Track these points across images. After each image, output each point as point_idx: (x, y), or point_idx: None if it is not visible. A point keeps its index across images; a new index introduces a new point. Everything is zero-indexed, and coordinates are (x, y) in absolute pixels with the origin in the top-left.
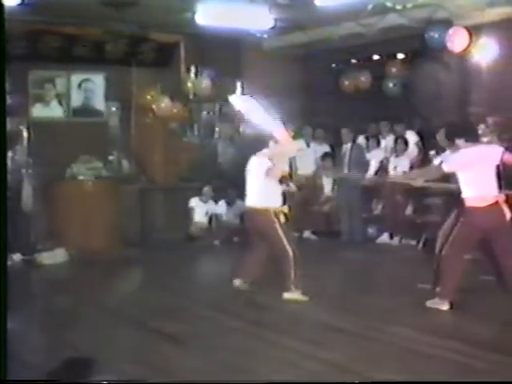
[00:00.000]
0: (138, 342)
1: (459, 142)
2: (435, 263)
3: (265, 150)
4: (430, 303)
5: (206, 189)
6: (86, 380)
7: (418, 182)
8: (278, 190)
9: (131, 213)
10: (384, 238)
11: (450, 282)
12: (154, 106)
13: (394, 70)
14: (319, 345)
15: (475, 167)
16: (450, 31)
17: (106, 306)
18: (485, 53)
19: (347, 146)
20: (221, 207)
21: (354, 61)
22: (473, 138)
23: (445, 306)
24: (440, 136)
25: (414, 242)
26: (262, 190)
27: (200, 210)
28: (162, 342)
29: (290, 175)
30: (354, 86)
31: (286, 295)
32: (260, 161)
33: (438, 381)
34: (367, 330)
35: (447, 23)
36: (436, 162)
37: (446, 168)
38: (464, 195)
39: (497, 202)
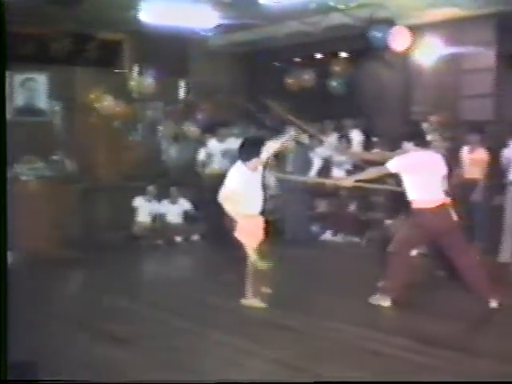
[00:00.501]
0: (83, 344)
1: (408, 145)
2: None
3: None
4: (372, 300)
5: (151, 188)
6: (86, 380)
7: (347, 183)
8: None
9: (74, 213)
10: (328, 235)
11: (394, 279)
12: (97, 105)
13: (337, 68)
14: (265, 343)
15: (422, 171)
16: (392, 31)
17: (49, 308)
18: (427, 52)
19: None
20: (164, 206)
21: (297, 59)
22: (422, 142)
23: (386, 303)
24: None
25: (357, 239)
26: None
27: (144, 209)
28: (108, 344)
29: None
30: (298, 84)
31: (244, 301)
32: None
33: (432, 381)
34: (312, 327)
35: (389, 23)
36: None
37: (390, 168)
38: (410, 197)
39: (443, 204)
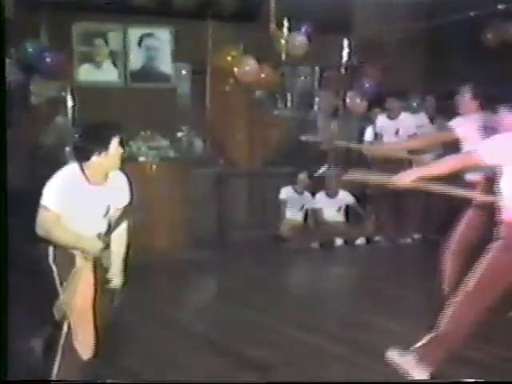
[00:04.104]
0: (217, 368)
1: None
2: None
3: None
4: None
5: (302, 176)
6: (88, 380)
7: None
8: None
9: (205, 204)
10: None
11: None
12: (235, 70)
13: None
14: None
15: None
16: None
17: (171, 322)
18: None
19: None
20: (320, 200)
21: (500, 6)
22: None
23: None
24: None
25: None
26: None
27: (293, 203)
28: (246, 370)
29: None
30: (501, 39)
31: None
32: None
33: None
34: None
35: None
36: None
37: (484, 156)
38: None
39: None
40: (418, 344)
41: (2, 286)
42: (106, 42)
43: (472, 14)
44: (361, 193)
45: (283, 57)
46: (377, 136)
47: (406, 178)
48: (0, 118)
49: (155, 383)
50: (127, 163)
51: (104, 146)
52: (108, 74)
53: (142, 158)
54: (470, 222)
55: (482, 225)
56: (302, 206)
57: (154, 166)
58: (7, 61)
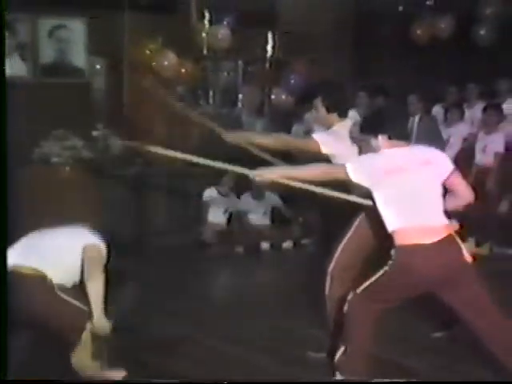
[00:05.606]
0: None
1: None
2: None
3: None
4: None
5: (226, 177)
6: (85, 380)
7: (267, 176)
8: None
9: (122, 208)
10: (469, 245)
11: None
12: (154, 64)
13: (488, 11)
14: None
15: (405, 181)
16: None
17: None
18: None
19: (415, 120)
20: (245, 202)
21: (430, 2)
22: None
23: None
24: None
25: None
26: None
27: (217, 205)
28: None
29: None
30: (430, 35)
31: None
32: None
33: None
34: None
35: None
36: None
37: (351, 173)
38: (390, 227)
39: (449, 237)
40: (337, 356)
41: (2, 286)
42: (14, 33)
43: (401, 8)
44: (288, 194)
45: (205, 51)
46: (308, 134)
47: (266, 175)
48: (0, 118)
49: (155, 383)
50: (39, 166)
51: None
52: (15, 67)
53: (54, 159)
54: (360, 230)
55: (374, 234)
56: (227, 209)
57: (68, 168)
58: None
